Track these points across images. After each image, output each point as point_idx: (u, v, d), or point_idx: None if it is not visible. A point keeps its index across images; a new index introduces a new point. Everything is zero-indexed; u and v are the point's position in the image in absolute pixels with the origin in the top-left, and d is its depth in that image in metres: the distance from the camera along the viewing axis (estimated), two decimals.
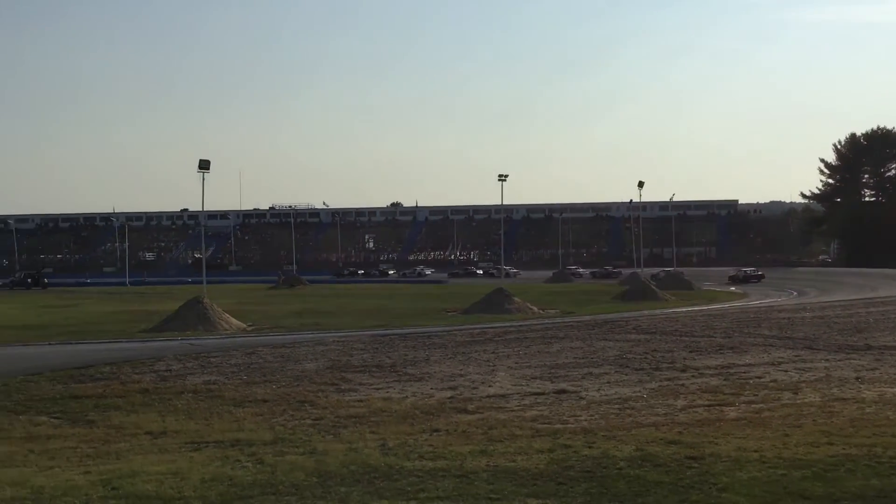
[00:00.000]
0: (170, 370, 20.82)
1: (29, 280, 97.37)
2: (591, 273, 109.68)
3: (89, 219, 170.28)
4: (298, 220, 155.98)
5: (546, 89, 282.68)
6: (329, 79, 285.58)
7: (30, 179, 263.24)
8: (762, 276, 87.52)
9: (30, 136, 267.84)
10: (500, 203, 62.96)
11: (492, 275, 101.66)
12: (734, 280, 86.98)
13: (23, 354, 26.58)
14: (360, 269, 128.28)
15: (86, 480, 10.18)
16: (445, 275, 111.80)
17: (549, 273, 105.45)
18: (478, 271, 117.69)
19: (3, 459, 11.64)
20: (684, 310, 43.35)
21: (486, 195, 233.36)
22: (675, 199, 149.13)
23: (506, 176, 57.47)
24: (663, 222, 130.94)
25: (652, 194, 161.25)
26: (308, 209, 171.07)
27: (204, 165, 39.47)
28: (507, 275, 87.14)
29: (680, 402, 15.19)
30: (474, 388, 17.44)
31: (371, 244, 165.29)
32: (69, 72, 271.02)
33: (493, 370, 19.96)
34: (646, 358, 21.42)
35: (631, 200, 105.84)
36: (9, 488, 9.85)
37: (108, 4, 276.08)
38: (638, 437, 12.15)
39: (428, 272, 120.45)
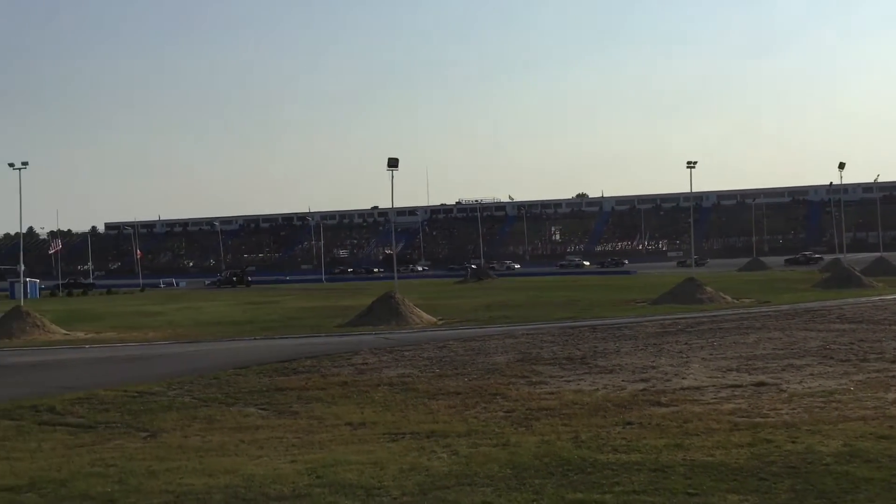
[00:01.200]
0: (366, 363, 21.54)
1: (234, 278, 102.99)
2: (786, 260, 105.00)
3: (287, 219, 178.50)
4: (485, 214, 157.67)
5: (738, 70, 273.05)
6: (514, 74, 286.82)
7: (233, 183, 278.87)
8: None
9: (231, 143, 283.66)
10: (689, 191, 61.19)
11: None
12: None
13: (231, 349, 28.18)
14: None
15: (292, 469, 10.69)
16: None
17: (743, 261, 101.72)
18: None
19: (217, 448, 12.39)
20: (893, 297, 40.77)
21: (674, 183, 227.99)
22: (880, 179, 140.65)
23: (695, 163, 55.84)
24: (867, 205, 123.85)
25: (854, 176, 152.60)
26: (494, 203, 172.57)
27: (393, 164, 40.51)
28: (697, 264, 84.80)
29: (891, 396, 14.35)
30: (667, 380, 17.11)
31: (557, 236, 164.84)
32: (271, 83, 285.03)
33: (687, 362, 19.50)
34: (851, 349, 20.35)
35: (831, 183, 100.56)
36: (223, 475, 10.47)
37: (317, 13, 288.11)
38: (845, 431, 11.56)
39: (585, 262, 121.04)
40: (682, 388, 16.02)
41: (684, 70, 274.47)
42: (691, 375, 17.53)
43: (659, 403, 14.52)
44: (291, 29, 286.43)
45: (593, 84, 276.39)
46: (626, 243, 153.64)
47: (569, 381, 17.42)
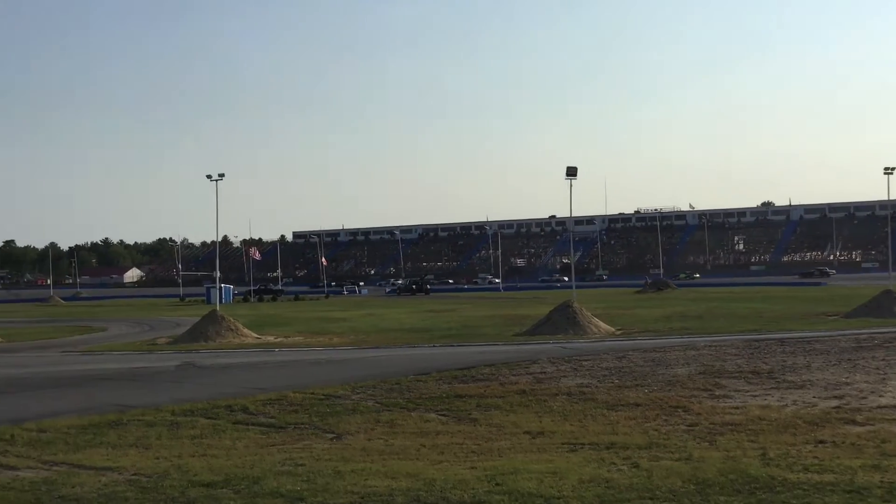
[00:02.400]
0: (544, 372, 21.49)
1: (414, 286, 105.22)
2: None
3: (465, 228, 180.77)
4: (664, 223, 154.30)
5: None
6: (692, 79, 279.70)
7: (411, 194, 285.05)
8: None
9: (403, 153, 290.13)
10: (885, 198, 57.76)
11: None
12: None
13: (411, 355, 28.78)
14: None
15: (472, 475, 10.79)
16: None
17: None
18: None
19: (399, 451, 12.68)
20: None
21: (868, 190, 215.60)
22: None
23: (893, 168, 52.74)
24: None
25: None
26: (674, 212, 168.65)
27: (571, 172, 40.34)
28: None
29: None
30: (863, 397, 16.19)
31: (741, 245, 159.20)
32: (452, 97, 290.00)
33: (885, 379, 18.39)
34: None
35: None
36: (404, 479, 10.70)
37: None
38: None
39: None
40: (880, 407, 15.11)
41: (879, 71, 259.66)
42: (889, 393, 16.52)
43: (854, 422, 13.77)
44: (487, 45, 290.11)
45: (776, 87, 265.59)
46: (815, 253, 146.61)
47: (755, 396, 16.78)
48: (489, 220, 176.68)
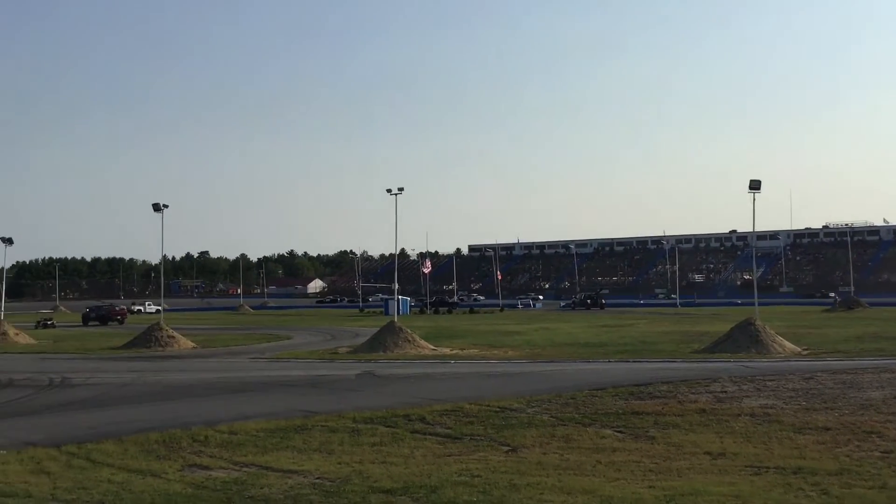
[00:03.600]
0: (725, 391, 20.81)
1: (588, 301, 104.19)
2: None
3: (641, 242, 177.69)
4: (855, 238, 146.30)
5: None
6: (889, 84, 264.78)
7: (591, 210, 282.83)
8: None
9: (581, 167, 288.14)
10: None
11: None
12: None
13: (586, 370, 28.51)
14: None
15: (650, 494, 10.59)
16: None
17: None
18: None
19: (574, 467, 12.59)
20: None
21: None
22: None
23: None
24: None
25: None
26: (866, 227, 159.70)
27: (755, 186, 38.92)
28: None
29: None
30: None
31: None
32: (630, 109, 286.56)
33: None
34: None
35: None
36: (581, 495, 10.62)
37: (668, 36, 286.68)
38: None
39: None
40: None
41: None
42: None
43: None
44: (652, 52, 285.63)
45: None
46: None
47: None
48: (666, 234, 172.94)
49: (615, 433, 15.68)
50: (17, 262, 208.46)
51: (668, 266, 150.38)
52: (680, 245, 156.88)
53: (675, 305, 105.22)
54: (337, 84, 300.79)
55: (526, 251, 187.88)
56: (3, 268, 67.89)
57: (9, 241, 56.55)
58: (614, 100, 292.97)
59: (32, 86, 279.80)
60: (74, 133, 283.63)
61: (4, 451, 14.36)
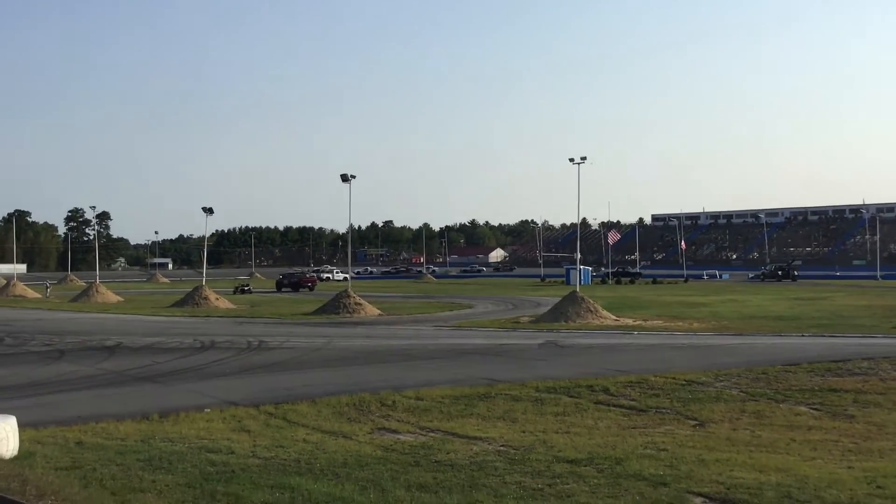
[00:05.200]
0: None
1: (779, 272, 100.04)
2: None
3: (838, 211, 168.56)
4: None
5: None
6: None
7: (782, 177, 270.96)
8: None
9: (764, 136, 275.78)
10: None
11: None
12: None
13: (777, 345, 27.42)
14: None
15: (849, 475, 10.08)
16: None
17: None
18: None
19: (766, 444, 12.14)
20: None
21: None
22: None
23: None
24: None
25: None
26: None
27: None
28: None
29: None
30: None
31: None
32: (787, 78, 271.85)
33: None
34: None
35: None
36: (773, 473, 10.23)
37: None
38: None
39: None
40: None
41: None
42: None
43: None
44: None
45: None
46: None
47: None
48: (866, 202, 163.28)
49: (810, 410, 15.02)
50: (217, 230, 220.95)
51: (867, 236, 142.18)
52: (881, 214, 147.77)
53: (875, 277, 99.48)
54: (534, 59, 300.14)
55: (712, 220, 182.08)
56: (205, 236, 72.13)
57: (209, 211, 59.92)
58: (814, 60, 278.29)
59: (230, 61, 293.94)
60: (270, 107, 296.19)
61: (209, 410, 15.27)
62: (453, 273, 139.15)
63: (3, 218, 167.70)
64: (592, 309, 39.69)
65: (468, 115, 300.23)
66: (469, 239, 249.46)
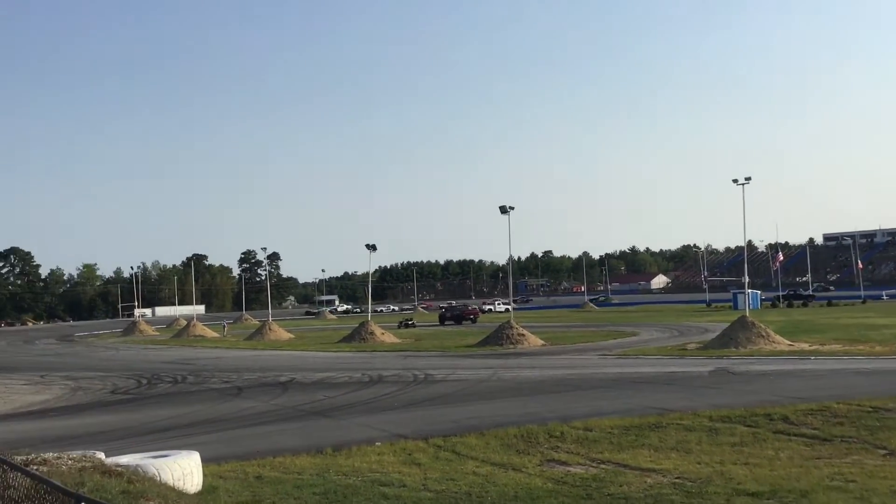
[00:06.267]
0: None
1: None
2: None
3: None
4: None
5: None
6: None
7: None
8: None
9: None
10: None
11: None
12: None
13: None
14: None
15: None
16: None
17: None
18: None
19: None
20: None
21: None
22: None
23: None
24: None
25: None
26: None
27: None
28: None
29: None
30: None
31: None
32: None
33: None
34: None
35: None
36: None
37: None
38: None
39: None
40: None
41: None
42: None
43: None
44: None
45: None
46: None
47: None
48: None
49: None
50: (380, 266, 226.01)
51: None
52: None
53: None
54: (674, 72, 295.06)
55: (889, 238, 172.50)
56: (369, 273, 73.92)
57: (373, 248, 61.40)
58: None
59: (401, 96, 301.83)
60: (429, 145, 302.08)
61: (380, 443, 15.51)
62: (615, 301, 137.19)
63: (183, 262, 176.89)
64: (764, 334, 38.14)
65: (622, 142, 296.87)
66: (630, 266, 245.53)
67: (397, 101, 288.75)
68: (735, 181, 44.84)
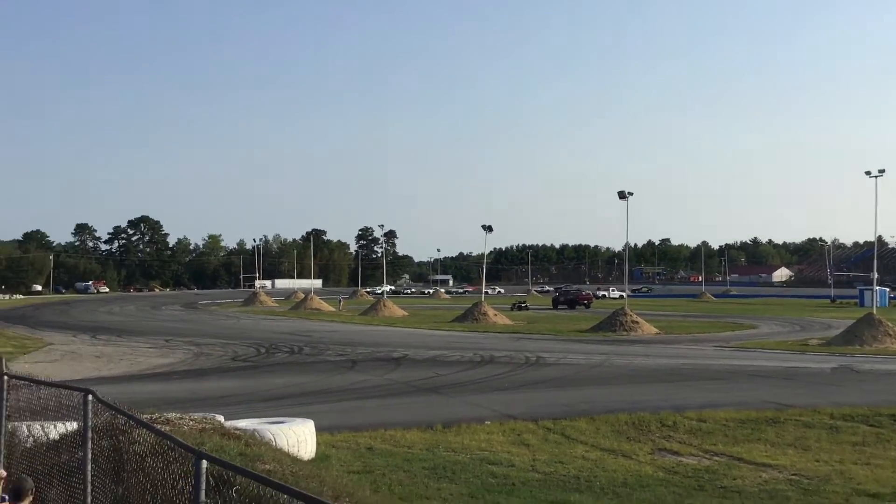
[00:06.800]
0: None
1: None
2: None
3: None
4: None
5: None
6: None
7: None
8: None
9: None
10: None
11: None
12: None
13: None
14: None
15: None
16: None
17: None
18: None
19: None
20: None
21: None
22: None
23: None
24: None
25: None
26: None
27: None
28: None
29: None
30: None
31: None
32: None
33: None
34: None
35: None
36: None
37: None
38: None
39: None
40: None
41: None
42: None
43: None
44: None
45: None
46: None
47: None
48: None
49: None
50: (495, 248, 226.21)
51: None
52: None
53: None
54: (802, 61, 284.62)
55: None
56: (484, 254, 74.12)
57: (489, 229, 61.46)
58: None
59: (522, 75, 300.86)
60: (545, 126, 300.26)
61: (489, 422, 15.57)
62: (734, 292, 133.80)
63: (303, 237, 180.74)
64: (892, 332, 36.65)
65: (752, 126, 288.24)
66: (750, 257, 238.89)
67: (517, 79, 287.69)
68: (868, 173, 43.07)
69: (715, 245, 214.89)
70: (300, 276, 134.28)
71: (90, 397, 6.94)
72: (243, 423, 11.57)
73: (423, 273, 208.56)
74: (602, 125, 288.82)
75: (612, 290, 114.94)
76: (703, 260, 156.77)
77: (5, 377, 9.14)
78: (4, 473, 7.26)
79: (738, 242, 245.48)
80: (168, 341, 36.66)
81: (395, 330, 47.44)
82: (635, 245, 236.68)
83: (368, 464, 11.92)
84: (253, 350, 32.13)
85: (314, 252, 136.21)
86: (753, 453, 12.98)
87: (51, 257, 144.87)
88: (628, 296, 69.13)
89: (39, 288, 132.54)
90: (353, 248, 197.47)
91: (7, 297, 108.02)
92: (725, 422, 15.58)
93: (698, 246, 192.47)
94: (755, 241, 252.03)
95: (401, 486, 10.72)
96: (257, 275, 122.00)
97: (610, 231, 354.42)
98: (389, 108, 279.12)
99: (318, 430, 12.38)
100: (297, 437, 11.50)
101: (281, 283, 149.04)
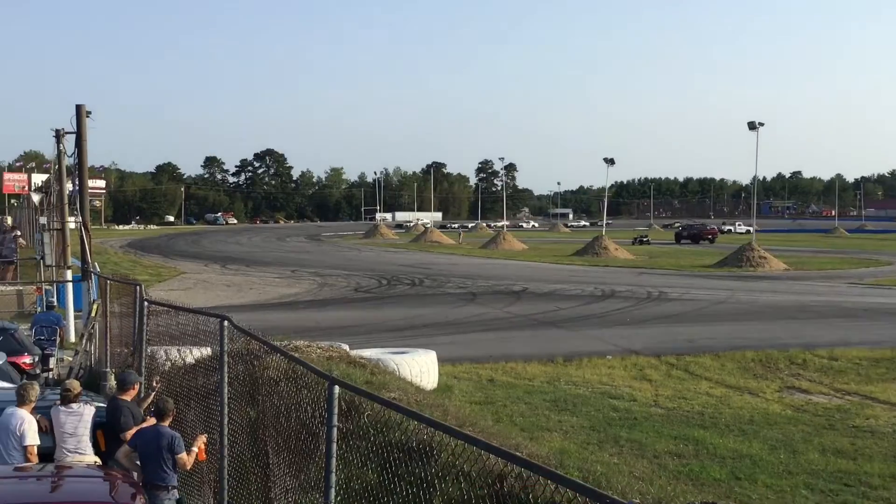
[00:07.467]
0: None
1: None
2: None
3: None
4: None
5: None
6: None
7: None
8: None
9: None
10: None
11: None
12: None
13: None
14: None
15: None
16: None
17: None
18: None
19: None
20: None
21: None
22: None
23: None
24: None
25: None
26: None
27: None
28: None
29: None
30: None
31: None
32: None
33: None
34: None
35: None
36: None
37: None
38: None
39: None
40: None
41: None
42: None
43: None
44: None
45: None
46: None
47: None
48: None
49: None
50: (616, 181, 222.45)
51: None
52: None
53: None
54: None
55: None
56: (605, 187, 73.15)
57: (611, 162, 60.50)
58: None
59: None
60: (666, 56, 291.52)
61: (610, 357, 15.50)
62: (870, 228, 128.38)
63: (423, 170, 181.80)
64: None
65: (883, 53, 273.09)
66: (888, 191, 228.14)
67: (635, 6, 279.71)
68: None
69: (850, 178, 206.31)
70: (420, 209, 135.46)
71: (226, 323, 7.19)
72: (368, 353, 11.83)
73: (542, 207, 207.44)
74: (731, 50, 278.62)
75: (739, 225, 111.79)
76: (837, 193, 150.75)
77: (145, 303, 9.58)
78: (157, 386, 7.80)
79: (876, 175, 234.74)
80: (294, 272, 37.68)
81: (515, 263, 47.49)
82: (764, 178, 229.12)
83: (490, 395, 12.06)
84: (375, 282, 32.73)
85: (434, 185, 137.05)
86: (888, 393, 12.55)
87: (182, 189, 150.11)
88: (756, 231, 67.23)
89: (172, 219, 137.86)
90: (472, 181, 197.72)
91: (142, 227, 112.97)
92: (858, 360, 15.09)
93: (832, 179, 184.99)
94: (894, 174, 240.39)
95: (522, 417, 10.81)
96: (378, 207, 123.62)
97: (737, 163, 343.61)
98: (509, 38, 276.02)
99: (440, 361, 12.57)
100: (420, 368, 11.71)
101: (401, 216, 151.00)
